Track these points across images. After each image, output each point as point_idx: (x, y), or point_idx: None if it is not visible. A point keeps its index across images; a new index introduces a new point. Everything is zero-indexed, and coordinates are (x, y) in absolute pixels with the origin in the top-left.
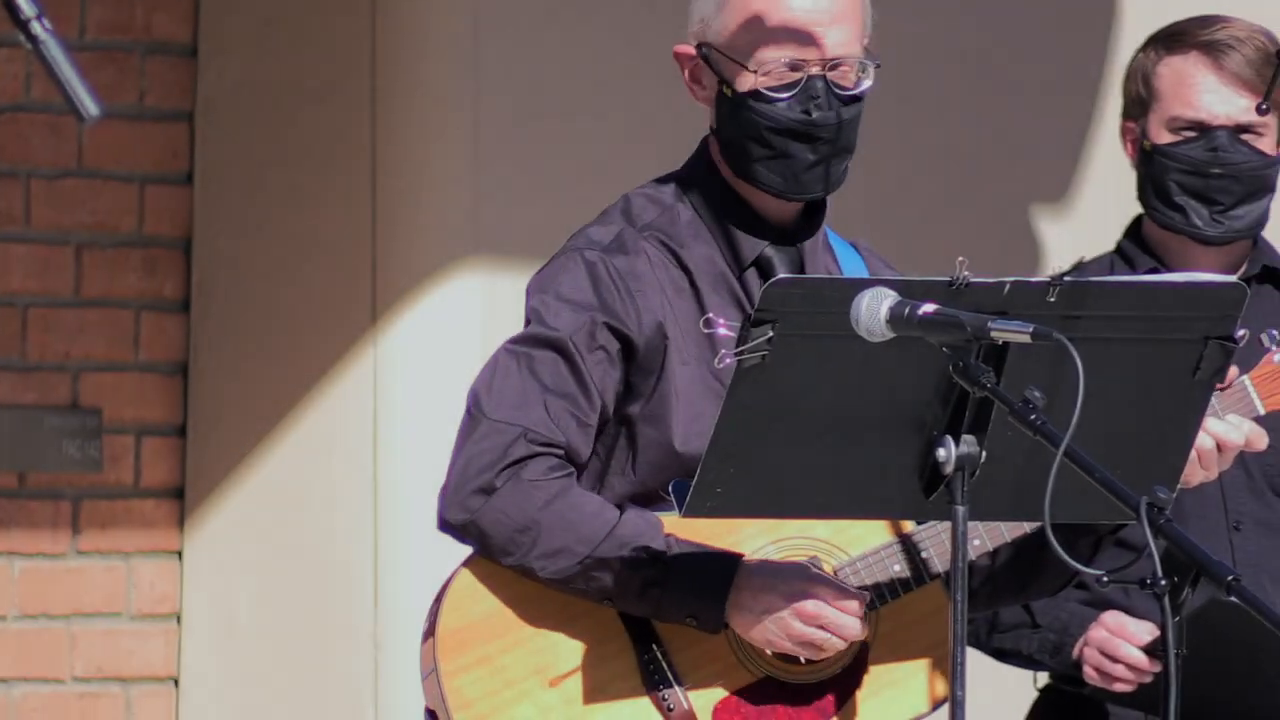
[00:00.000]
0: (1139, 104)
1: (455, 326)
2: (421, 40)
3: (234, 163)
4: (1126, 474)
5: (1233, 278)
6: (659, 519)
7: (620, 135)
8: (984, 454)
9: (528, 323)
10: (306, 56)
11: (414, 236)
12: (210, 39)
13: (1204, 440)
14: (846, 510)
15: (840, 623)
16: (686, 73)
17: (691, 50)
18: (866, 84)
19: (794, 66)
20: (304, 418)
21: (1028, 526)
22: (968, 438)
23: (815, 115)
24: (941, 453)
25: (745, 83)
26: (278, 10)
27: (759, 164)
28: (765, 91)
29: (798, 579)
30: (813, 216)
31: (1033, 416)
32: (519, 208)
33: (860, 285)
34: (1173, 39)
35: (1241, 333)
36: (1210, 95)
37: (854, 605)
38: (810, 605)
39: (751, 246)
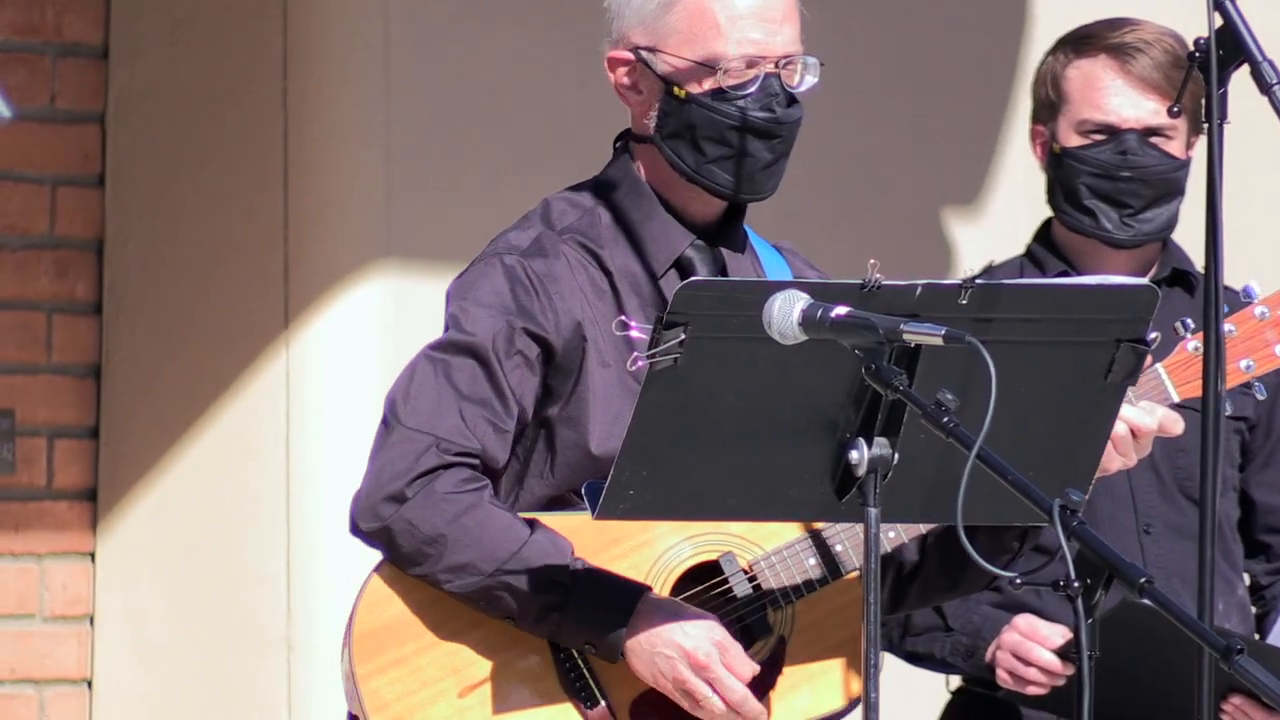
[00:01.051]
0: (1048, 107)
1: (368, 329)
2: (333, 43)
3: (146, 165)
4: (1039, 476)
5: (1144, 280)
6: (568, 542)
7: (532, 137)
8: (896, 456)
9: (447, 329)
10: (218, 58)
11: (326, 239)
12: (122, 41)
13: (1118, 426)
14: (760, 513)
15: (726, 683)
16: (619, 78)
17: (627, 55)
18: (811, 80)
19: (750, 64)
20: (217, 420)
21: None
22: (880, 440)
23: (779, 112)
24: (854, 455)
25: (705, 82)
26: (189, 12)
27: (714, 164)
28: (728, 90)
29: (700, 626)
30: (731, 220)
31: (945, 419)
32: (431, 210)
33: (772, 288)
34: (1081, 42)
35: (1153, 335)
36: (1119, 98)
37: (745, 669)
38: (701, 655)
39: (672, 249)
